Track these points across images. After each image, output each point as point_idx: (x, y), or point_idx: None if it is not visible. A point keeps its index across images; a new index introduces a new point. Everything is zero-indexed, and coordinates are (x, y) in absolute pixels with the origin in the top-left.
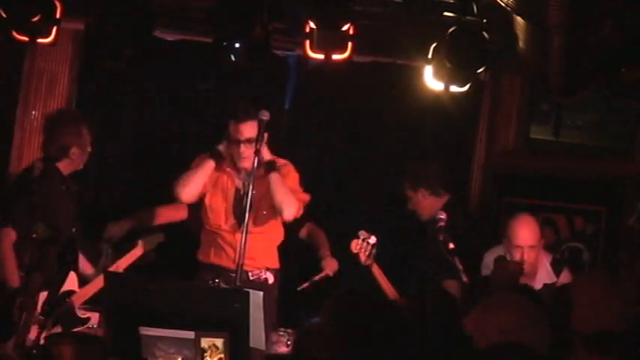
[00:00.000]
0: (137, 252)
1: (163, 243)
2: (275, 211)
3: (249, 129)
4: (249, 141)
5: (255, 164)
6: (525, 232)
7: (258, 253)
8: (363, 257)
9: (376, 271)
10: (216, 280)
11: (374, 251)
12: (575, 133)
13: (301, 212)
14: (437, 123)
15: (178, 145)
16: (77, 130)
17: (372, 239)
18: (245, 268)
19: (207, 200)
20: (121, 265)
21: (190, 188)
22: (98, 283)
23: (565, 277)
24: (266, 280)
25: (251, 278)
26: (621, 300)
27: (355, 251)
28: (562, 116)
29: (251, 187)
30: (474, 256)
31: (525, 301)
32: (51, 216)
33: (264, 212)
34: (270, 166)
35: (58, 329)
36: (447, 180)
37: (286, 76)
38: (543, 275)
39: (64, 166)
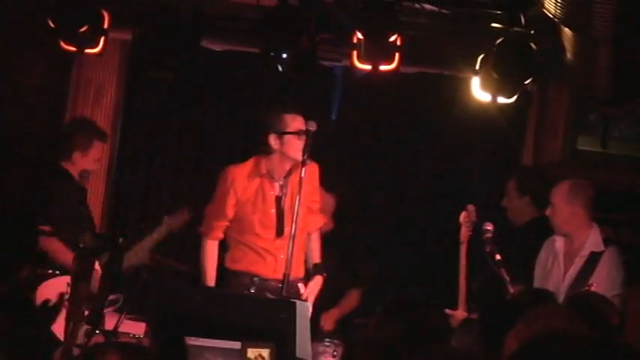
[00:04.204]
0: (162, 231)
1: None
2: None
3: (302, 120)
4: (301, 132)
5: (303, 174)
6: (553, 190)
7: (296, 262)
8: (463, 232)
9: (463, 252)
10: (251, 290)
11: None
12: (623, 145)
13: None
14: (484, 134)
15: (225, 154)
16: (86, 137)
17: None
18: (281, 278)
19: (247, 212)
20: (146, 244)
21: None
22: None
23: (611, 252)
24: (298, 290)
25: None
26: None
27: (461, 222)
28: (609, 127)
29: (298, 196)
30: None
31: (572, 313)
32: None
33: (302, 214)
34: (318, 269)
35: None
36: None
37: (333, 86)
38: (594, 243)
39: (71, 168)
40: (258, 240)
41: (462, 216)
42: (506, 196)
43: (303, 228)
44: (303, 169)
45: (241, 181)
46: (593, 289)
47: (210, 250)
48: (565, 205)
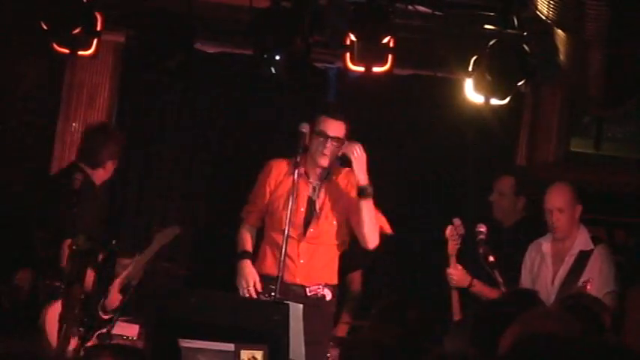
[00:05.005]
0: (154, 248)
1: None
2: (345, 219)
3: (337, 127)
4: (333, 139)
5: (296, 176)
6: (553, 196)
7: (319, 268)
8: (450, 246)
9: (452, 262)
10: (272, 294)
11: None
12: (616, 146)
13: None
14: (477, 136)
15: (218, 156)
16: (117, 145)
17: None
18: (302, 283)
19: (278, 207)
20: (138, 262)
21: None
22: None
23: (600, 249)
24: (323, 296)
25: (308, 294)
26: None
27: (447, 236)
28: (603, 129)
29: (319, 195)
30: (515, 269)
31: (565, 314)
32: (89, 226)
33: (334, 222)
34: (364, 191)
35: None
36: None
37: (326, 88)
38: (582, 242)
39: (98, 176)
40: (282, 238)
41: (448, 230)
42: (497, 193)
43: (335, 234)
44: (296, 170)
45: (277, 175)
46: (589, 286)
47: (244, 232)
48: (573, 209)
